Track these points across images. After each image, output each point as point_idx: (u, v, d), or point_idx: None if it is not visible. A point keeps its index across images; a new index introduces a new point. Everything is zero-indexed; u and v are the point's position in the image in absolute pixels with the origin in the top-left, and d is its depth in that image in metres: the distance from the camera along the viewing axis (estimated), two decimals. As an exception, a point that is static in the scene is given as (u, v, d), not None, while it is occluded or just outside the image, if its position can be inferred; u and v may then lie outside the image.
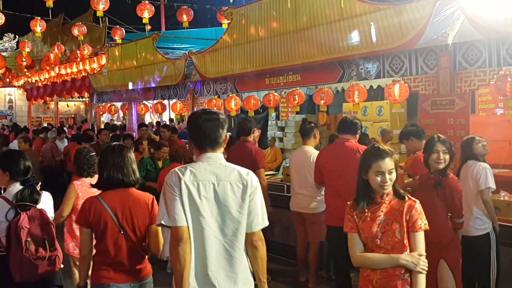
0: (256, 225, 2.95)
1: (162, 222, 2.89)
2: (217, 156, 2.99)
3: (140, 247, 3.47)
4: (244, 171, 3.00)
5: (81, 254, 3.49)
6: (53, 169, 11.20)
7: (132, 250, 3.42)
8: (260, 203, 2.99)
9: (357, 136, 5.57)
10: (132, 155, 3.56)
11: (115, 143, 3.70)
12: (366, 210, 3.10)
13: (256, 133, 6.67)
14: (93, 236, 3.44)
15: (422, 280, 2.98)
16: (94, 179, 4.36)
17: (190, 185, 2.86)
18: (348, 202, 3.23)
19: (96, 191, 3.57)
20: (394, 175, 3.07)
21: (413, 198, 3.12)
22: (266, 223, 3.01)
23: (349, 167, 4.96)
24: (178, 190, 2.85)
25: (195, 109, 11.34)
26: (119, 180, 3.43)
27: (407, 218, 3.02)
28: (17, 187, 3.82)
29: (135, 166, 3.54)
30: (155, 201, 3.52)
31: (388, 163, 3.05)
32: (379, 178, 3.04)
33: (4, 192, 3.89)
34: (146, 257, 3.54)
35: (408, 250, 3.01)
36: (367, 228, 3.06)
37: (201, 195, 2.87)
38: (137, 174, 3.55)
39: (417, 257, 2.96)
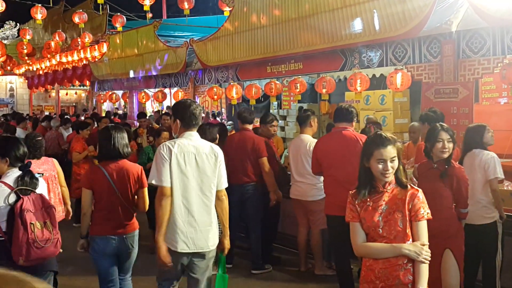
0: (222, 184, 4.04)
1: (153, 182, 3.88)
2: (196, 134, 4.02)
3: (130, 206, 4.33)
4: (214, 146, 4.05)
5: (83, 211, 4.26)
6: (59, 158, 11.19)
7: (124, 209, 4.28)
8: (224, 169, 4.06)
9: (353, 123, 5.52)
10: (123, 134, 4.36)
11: (110, 124, 4.79)
12: (368, 199, 3.06)
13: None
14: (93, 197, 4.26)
15: (425, 269, 2.94)
16: (40, 161, 5.40)
17: (178, 155, 3.84)
18: (350, 191, 3.18)
19: None
20: (396, 163, 3.02)
21: (415, 187, 3.07)
22: (226, 185, 4.08)
23: (348, 156, 4.94)
24: (169, 159, 3.81)
25: (196, 98, 11.31)
26: (113, 153, 4.27)
27: (410, 207, 2.97)
28: (15, 172, 3.84)
29: (125, 142, 4.34)
30: (143, 170, 4.45)
31: (390, 151, 2.99)
32: (380, 166, 2.99)
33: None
34: (134, 214, 4.39)
35: (410, 240, 2.97)
36: (369, 217, 3.02)
37: (186, 163, 3.86)
38: (128, 148, 4.38)
39: (419, 246, 2.93)
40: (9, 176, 3.81)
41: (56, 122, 12.17)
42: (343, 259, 5.40)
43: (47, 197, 3.97)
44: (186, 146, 3.88)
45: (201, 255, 3.93)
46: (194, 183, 3.88)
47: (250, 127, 6.53)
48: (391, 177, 3.03)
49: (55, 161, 5.75)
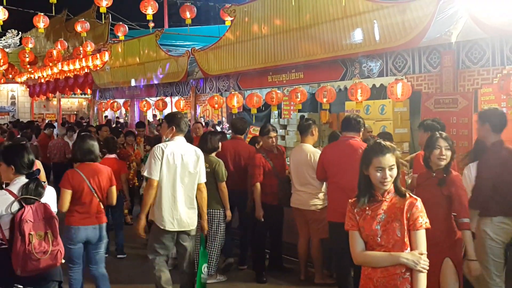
0: (202, 179, 5.21)
1: (145, 174, 5.01)
2: (183, 138, 5.15)
3: (103, 202, 5.15)
4: (196, 148, 5.23)
5: (63, 210, 4.86)
6: (65, 166, 11.21)
7: (97, 204, 5.08)
8: (203, 167, 5.25)
9: (360, 134, 5.57)
10: (94, 142, 5.25)
11: (84, 133, 5.74)
12: (367, 208, 3.07)
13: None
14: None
15: (422, 279, 2.95)
16: None
17: (169, 155, 4.95)
18: (350, 200, 3.20)
19: None
20: (395, 172, 3.03)
21: (414, 196, 3.08)
22: (205, 179, 5.26)
23: (353, 165, 4.95)
24: (161, 158, 4.91)
25: (197, 107, 11.35)
26: (87, 157, 5.14)
27: (408, 216, 2.98)
28: (22, 180, 3.81)
29: (95, 148, 5.19)
30: (112, 172, 5.37)
31: (388, 159, 3.01)
32: (379, 174, 3.01)
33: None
34: (103, 207, 5.18)
35: (408, 249, 2.98)
36: (368, 226, 3.04)
37: (175, 161, 4.97)
38: (97, 152, 5.24)
39: (417, 255, 2.93)
40: (15, 184, 3.79)
41: (62, 131, 12.23)
42: (344, 266, 5.41)
43: (53, 206, 3.92)
44: (176, 148, 5.01)
45: (185, 233, 5.10)
46: (180, 177, 5.00)
47: (242, 137, 7.05)
48: (389, 186, 3.05)
49: (38, 162, 5.61)
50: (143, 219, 5.00)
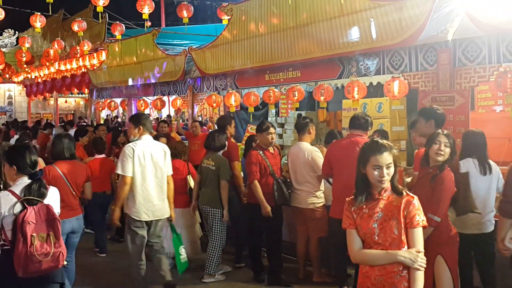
0: (169, 172, 5.75)
1: (118, 172, 5.48)
2: (150, 137, 5.70)
3: (79, 195, 5.57)
4: (163, 145, 5.85)
5: None
6: None
7: (74, 198, 5.48)
8: (170, 161, 5.78)
9: (368, 132, 5.58)
10: (70, 141, 5.66)
11: (62, 132, 6.50)
12: (364, 206, 3.08)
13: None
14: None
15: (420, 277, 2.97)
16: None
17: (139, 153, 5.46)
18: (347, 198, 3.21)
19: None
20: (392, 170, 3.04)
21: (411, 194, 3.09)
22: (172, 172, 5.81)
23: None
24: (132, 156, 5.41)
25: (195, 105, 11.35)
26: (62, 156, 5.50)
27: (405, 214, 2.99)
28: (25, 181, 3.81)
29: (71, 146, 5.58)
30: (88, 168, 5.90)
31: (386, 157, 3.02)
32: (376, 172, 3.02)
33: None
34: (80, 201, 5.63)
35: (406, 247, 2.99)
36: (365, 224, 3.05)
37: (145, 158, 5.49)
38: (73, 151, 5.62)
39: (415, 253, 2.95)
40: (18, 184, 3.78)
41: (60, 130, 12.23)
42: (343, 262, 5.44)
43: (56, 207, 3.90)
44: (145, 146, 5.52)
45: (158, 222, 5.68)
46: (151, 172, 5.52)
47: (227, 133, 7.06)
48: (386, 184, 3.06)
49: (41, 160, 6.05)
50: (117, 211, 5.59)
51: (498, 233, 4.46)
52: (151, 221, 5.61)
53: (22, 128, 14.10)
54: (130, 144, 5.55)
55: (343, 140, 5.78)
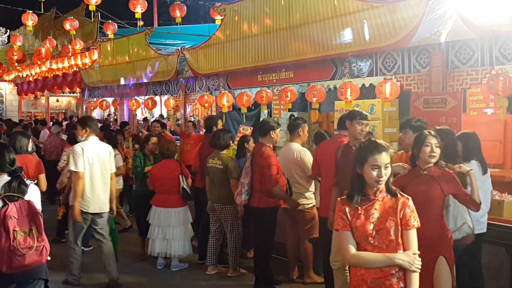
0: (112, 169, 6.36)
1: (72, 169, 6.02)
2: (96, 137, 6.25)
3: None
4: (108, 145, 6.44)
5: None
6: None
7: None
8: (113, 160, 6.43)
9: None
10: (23, 137, 6.18)
11: (18, 130, 7.82)
12: (360, 208, 3.04)
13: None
14: None
15: (416, 278, 2.98)
16: None
17: (87, 152, 6.04)
18: (339, 198, 3.17)
19: None
20: (389, 170, 3.03)
21: (405, 195, 3.08)
22: (114, 170, 6.47)
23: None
24: (82, 155, 5.99)
25: (187, 106, 11.31)
26: (18, 150, 5.82)
27: (401, 215, 2.99)
28: (4, 178, 3.83)
29: (25, 143, 6.12)
30: (41, 162, 6.37)
31: (384, 157, 3.01)
32: (375, 173, 2.99)
33: None
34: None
35: (401, 249, 2.98)
36: (361, 227, 3.01)
37: (93, 157, 6.08)
38: (25, 147, 6.11)
39: (412, 256, 2.95)
40: None
41: (57, 129, 12.21)
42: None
43: (37, 204, 3.91)
44: (92, 146, 6.12)
45: (101, 214, 6.23)
46: (97, 170, 6.12)
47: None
48: (383, 185, 3.04)
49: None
50: (77, 206, 6.00)
51: None
52: (96, 213, 6.16)
53: (24, 127, 14.03)
54: (79, 144, 6.13)
55: (330, 141, 5.81)
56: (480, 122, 7.59)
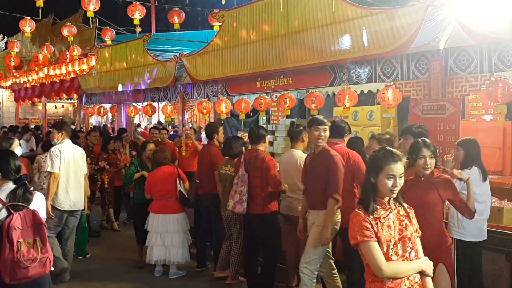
0: (85, 171, 6.89)
1: (48, 170, 6.45)
2: (70, 141, 6.73)
3: None
4: (80, 148, 6.92)
5: None
6: None
7: None
8: (85, 162, 6.98)
9: (345, 139, 5.57)
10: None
11: None
12: (381, 216, 3.01)
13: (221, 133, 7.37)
14: None
15: (431, 283, 3.04)
16: None
17: (64, 154, 6.54)
18: (356, 209, 3.06)
19: None
20: (403, 180, 3.03)
21: (408, 205, 3.16)
22: (87, 171, 7.02)
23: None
24: (59, 157, 6.45)
25: (185, 112, 11.29)
26: None
27: (413, 222, 3.08)
28: (9, 186, 3.77)
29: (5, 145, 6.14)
30: (29, 162, 7.18)
31: (399, 167, 3.00)
32: (390, 182, 2.98)
33: None
34: None
35: (420, 256, 3.06)
36: (387, 235, 2.96)
37: (68, 158, 6.56)
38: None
39: (429, 261, 3.03)
40: (3, 190, 3.74)
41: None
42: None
43: (42, 213, 3.86)
44: (67, 149, 6.61)
45: (75, 212, 6.73)
46: (72, 170, 6.60)
47: (213, 141, 7.28)
48: (396, 194, 3.03)
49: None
50: (49, 204, 6.31)
51: None
52: (71, 211, 6.66)
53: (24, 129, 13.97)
54: (56, 146, 6.58)
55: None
56: (479, 129, 7.59)
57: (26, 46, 17.93)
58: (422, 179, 4.21)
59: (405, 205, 3.13)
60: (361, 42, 6.38)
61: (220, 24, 8.90)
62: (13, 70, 17.92)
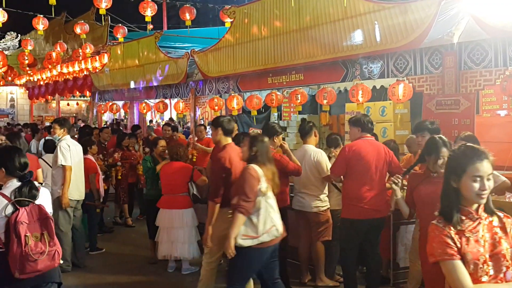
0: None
1: (63, 163, 6.73)
2: (69, 136, 7.05)
3: None
4: (79, 144, 7.30)
5: None
6: None
7: None
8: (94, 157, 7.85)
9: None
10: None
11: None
12: (466, 229, 2.53)
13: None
14: None
15: None
16: None
17: (72, 148, 6.87)
18: (434, 221, 2.62)
19: None
20: (492, 183, 2.54)
21: (504, 213, 2.66)
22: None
23: (382, 164, 5.22)
24: (69, 150, 6.78)
25: (197, 108, 11.30)
26: None
27: (510, 236, 2.57)
28: (14, 183, 3.78)
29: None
30: (37, 159, 7.18)
31: (487, 167, 2.51)
32: (477, 185, 2.49)
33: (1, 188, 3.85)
34: None
35: None
36: (475, 252, 2.48)
37: (75, 151, 6.91)
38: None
39: None
40: (8, 187, 3.75)
41: (72, 132, 12.21)
42: (352, 263, 5.41)
43: (48, 207, 3.89)
44: (72, 143, 7.00)
45: (80, 201, 7.11)
46: (78, 163, 7.01)
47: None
48: (485, 200, 2.54)
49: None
50: (66, 194, 6.75)
51: None
52: (78, 200, 7.08)
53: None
54: (63, 141, 6.92)
55: (361, 141, 5.40)
56: (493, 124, 7.51)
57: (40, 44, 18.07)
58: (435, 174, 4.15)
59: (501, 214, 2.62)
60: (373, 37, 6.34)
61: (231, 20, 8.89)
62: (27, 68, 18.07)
